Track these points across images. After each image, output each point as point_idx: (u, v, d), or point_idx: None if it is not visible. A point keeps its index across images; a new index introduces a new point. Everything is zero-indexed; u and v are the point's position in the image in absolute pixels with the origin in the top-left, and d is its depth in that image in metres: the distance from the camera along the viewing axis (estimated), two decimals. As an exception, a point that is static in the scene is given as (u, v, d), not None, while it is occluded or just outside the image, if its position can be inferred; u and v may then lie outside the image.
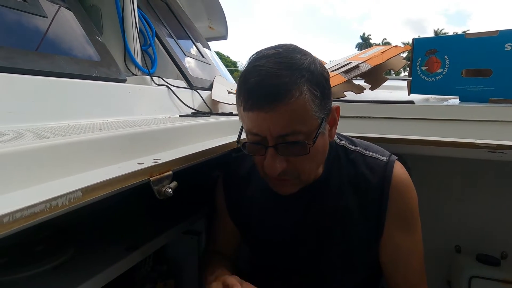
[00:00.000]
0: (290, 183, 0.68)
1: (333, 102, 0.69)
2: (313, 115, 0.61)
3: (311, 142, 0.62)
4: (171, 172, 0.58)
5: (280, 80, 0.58)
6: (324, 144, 0.68)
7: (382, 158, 0.75)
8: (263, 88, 0.58)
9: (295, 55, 0.61)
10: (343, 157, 0.77)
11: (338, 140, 0.79)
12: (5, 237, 0.32)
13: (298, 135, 0.61)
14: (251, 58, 0.64)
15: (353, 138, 0.82)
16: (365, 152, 0.76)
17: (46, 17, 0.86)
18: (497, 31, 1.15)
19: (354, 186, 0.74)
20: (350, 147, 0.78)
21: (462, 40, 1.22)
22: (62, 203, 0.37)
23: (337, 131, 0.83)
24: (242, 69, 0.66)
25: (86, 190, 0.41)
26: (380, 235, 0.74)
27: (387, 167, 0.73)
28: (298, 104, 0.58)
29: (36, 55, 0.76)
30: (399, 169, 0.74)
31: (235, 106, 0.68)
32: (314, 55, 0.66)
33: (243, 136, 0.69)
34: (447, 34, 1.60)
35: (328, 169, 0.75)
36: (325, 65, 0.68)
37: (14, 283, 0.64)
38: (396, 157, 0.76)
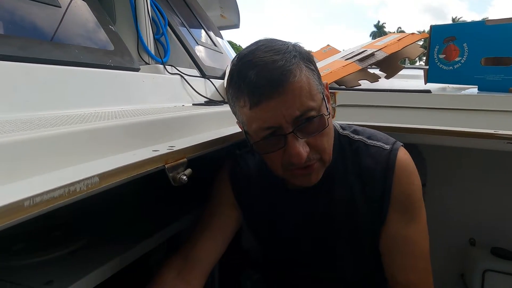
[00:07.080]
0: (315, 168, 0.65)
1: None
2: (317, 89, 0.62)
3: (327, 113, 0.63)
4: (185, 159, 0.58)
5: (278, 64, 0.58)
6: (330, 119, 0.68)
7: (386, 146, 0.73)
8: (265, 77, 0.57)
9: (277, 42, 0.62)
10: (346, 147, 0.75)
11: (341, 130, 0.78)
12: (24, 221, 0.33)
13: (312, 111, 0.60)
14: (234, 61, 0.63)
15: (357, 127, 0.80)
16: (368, 142, 0.75)
17: (60, 7, 0.87)
18: (520, 17, 1.11)
19: (358, 176, 0.73)
20: (353, 137, 0.76)
21: (482, 27, 1.18)
22: (80, 188, 0.38)
23: (345, 121, 0.82)
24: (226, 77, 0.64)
25: (103, 176, 0.41)
26: (383, 223, 0.73)
27: (391, 155, 0.71)
28: (302, 81, 0.59)
29: (51, 45, 0.77)
30: (402, 155, 0.72)
31: None
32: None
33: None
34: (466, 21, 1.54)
35: (333, 160, 0.73)
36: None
37: (32, 267, 0.66)
38: (401, 144, 0.74)
